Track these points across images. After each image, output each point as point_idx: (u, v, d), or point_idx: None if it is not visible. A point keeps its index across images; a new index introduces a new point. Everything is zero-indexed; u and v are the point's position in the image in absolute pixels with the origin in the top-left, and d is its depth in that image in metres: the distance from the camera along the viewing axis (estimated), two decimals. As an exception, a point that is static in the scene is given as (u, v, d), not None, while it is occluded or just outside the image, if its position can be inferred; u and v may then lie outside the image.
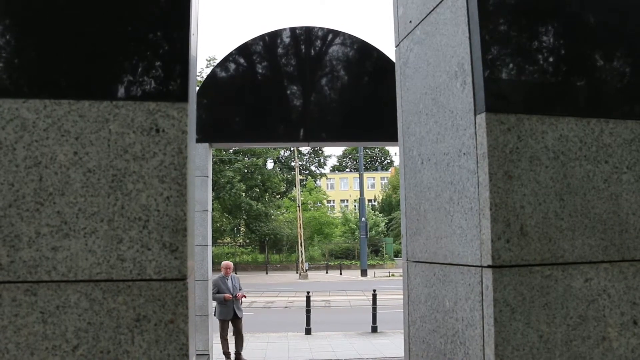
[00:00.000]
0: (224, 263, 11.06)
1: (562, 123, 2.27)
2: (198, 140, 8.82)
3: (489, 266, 2.15)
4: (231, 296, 10.33)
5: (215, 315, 10.27)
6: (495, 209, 2.16)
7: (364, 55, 9.42)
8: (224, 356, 10.28)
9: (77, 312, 1.87)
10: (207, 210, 9.08)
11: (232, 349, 10.53)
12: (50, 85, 1.95)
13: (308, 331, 13.06)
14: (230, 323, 10.53)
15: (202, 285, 9.11)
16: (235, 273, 11.15)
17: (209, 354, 9.30)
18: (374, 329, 13.18)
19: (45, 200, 1.89)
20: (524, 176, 2.21)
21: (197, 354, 8.86)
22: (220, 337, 10.37)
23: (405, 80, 2.87)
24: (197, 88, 9.59)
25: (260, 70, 9.41)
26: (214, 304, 10.51)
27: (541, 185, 2.22)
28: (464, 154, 2.32)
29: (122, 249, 1.91)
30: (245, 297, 11.10)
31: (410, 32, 2.81)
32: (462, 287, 2.33)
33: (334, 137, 9.29)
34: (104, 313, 1.88)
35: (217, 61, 9.49)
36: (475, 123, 2.25)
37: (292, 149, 44.54)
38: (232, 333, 10.56)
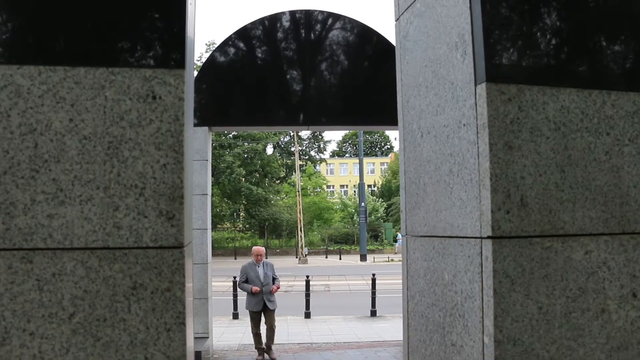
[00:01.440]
0: (254, 248, 9.61)
1: (564, 94, 2.24)
2: (197, 124, 8.79)
3: (488, 237, 2.13)
4: (259, 289, 9.01)
5: (245, 306, 9.33)
6: (496, 179, 2.13)
7: (364, 39, 9.37)
8: (256, 351, 9.24)
9: (73, 280, 1.85)
10: (206, 194, 9.06)
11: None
12: (45, 51, 1.92)
13: (307, 315, 13.08)
14: (262, 315, 9.21)
15: (201, 268, 9.11)
16: (266, 257, 10.16)
17: (208, 337, 9.32)
18: (373, 313, 13.21)
19: (40, 168, 1.87)
20: (525, 147, 2.18)
21: (197, 337, 8.88)
22: (252, 331, 9.24)
23: (405, 54, 2.84)
24: (196, 72, 9.54)
25: (259, 54, 9.36)
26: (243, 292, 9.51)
27: (542, 157, 2.20)
28: (464, 125, 2.29)
29: (119, 216, 1.89)
30: (278, 288, 9.77)
31: (410, 5, 2.77)
32: (461, 260, 2.31)
33: (334, 121, 9.26)
34: (100, 281, 1.86)
35: (217, 45, 9.42)
36: (475, 93, 2.22)
37: (291, 134, 44.48)
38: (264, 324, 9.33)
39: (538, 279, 2.16)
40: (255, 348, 9.29)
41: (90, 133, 1.90)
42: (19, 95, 1.88)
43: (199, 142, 8.94)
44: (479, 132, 2.19)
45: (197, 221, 8.97)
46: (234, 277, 14.45)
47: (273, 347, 9.40)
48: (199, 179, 8.95)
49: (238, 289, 9.69)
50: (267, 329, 9.29)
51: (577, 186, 2.23)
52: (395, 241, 44.52)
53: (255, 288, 8.99)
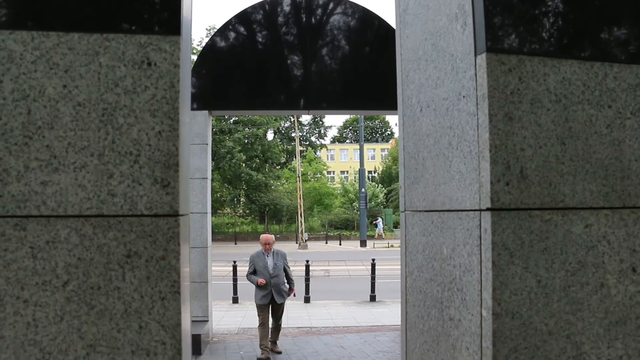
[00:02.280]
0: (262, 237, 8.77)
1: (565, 66, 2.21)
2: (197, 108, 8.76)
3: (487, 209, 2.10)
4: (264, 281, 8.28)
5: (254, 299, 8.61)
6: (495, 150, 2.10)
7: (366, 23, 9.30)
8: (260, 350, 8.42)
9: (67, 248, 1.83)
10: (206, 178, 9.04)
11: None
12: (37, 17, 1.88)
13: (307, 299, 13.11)
14: (269, 309, 8.52)
15: (201, 252, 9.12)
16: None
17: (208, 320, 9.34)
18: (373, 298, 13.23)
19: (34, 134, 1.84)
20: (525, 118, 2.15)
21: (196, 320, 8.89)
22: (258, 327, 8.49)
23: (405, 28, 2.80)
24: (197, 57, 9.48)
25: (260, 38, 9.30)
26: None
27: (542, 128, 2.17)
28: (464, 96, 2.26)
29: (113, 183, 1.86)
30: (295, 295, 9.12)
31: (410, -23, 2.73)
32: (460, 233, 2.29)
33: (335, 106, 9.23)
34: (94, 249, 1.84)
35: (217, 29, 9.35)
36: (475, 64, 2.18)
37: (292, 119, 44.39)
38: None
39: (537, 252, 2.14)
40: (260, 346, 8.43)
41: (85, 99, 1.87)
42: (12, 61, 1.84)
43: (199, 126, 8.91)
44: (479, 103, 2.16)
45: (197, 205, 8.96)
46: (234, 262, 14.48)
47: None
48: (199, 163, 8.93)
49: (246, 279, 8.85)
50: (272, 324, 8.71)
51: (577, 159, 2.20)
52: (376, 226, 44.56)
53: (261, 280, 8.26)
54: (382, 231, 43.19)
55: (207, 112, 8.92)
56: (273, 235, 8.87)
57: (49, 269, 1.82)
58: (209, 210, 9.19)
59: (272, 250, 8.59)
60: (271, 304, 8.47)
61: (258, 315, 8.54)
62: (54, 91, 1.85)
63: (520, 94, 2.15)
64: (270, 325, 8.62)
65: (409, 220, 2.74)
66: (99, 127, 1.87)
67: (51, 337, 1.81)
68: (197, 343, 8.49)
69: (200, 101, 8.92)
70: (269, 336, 8.57)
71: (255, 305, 8.68)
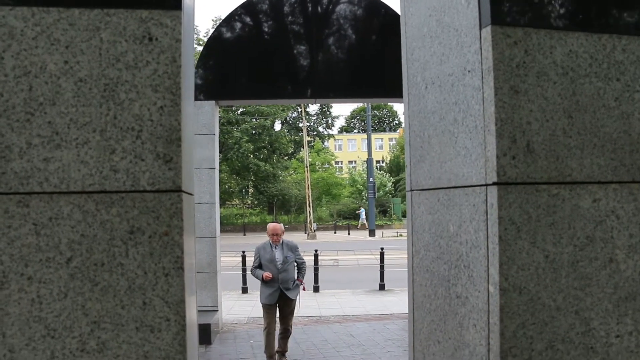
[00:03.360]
0: (269, 226, 7.61)
1: (572, 38, 2.17)
2: (204, 98, 8.74)
3: (494, 183, 2.07)
4: (270, 275, 7.15)
5: (260, 299, 7.49)
6: (501, 124, 2.07)
7: (372, 11, 9.24)
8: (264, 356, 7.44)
9: (70, 224, 1.81)
10: (214, 168, 9.04)
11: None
12: (38, -8, 1.86)
13: (316, 289, 13.12)
14: (276, 309, 7.36)
15: (210, 242, 9.13)
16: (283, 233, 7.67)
17: (217, 310, 9.36)
18: (382, 287, 13.22)
19: (35, 111, 1.82)
20: (531, 91, 2.11)
21: (206, 310, 8.91)
22: (264, 329, 7.38)
23: (410, 6, 2.76)
24: (203, 47, 9.45)
25: (266, 27, 9.27)
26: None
27: (549, 102, 2.13)
28: (469, 71, 2.22)
29: (115, 159, 1.84)
30: (304, 289, 8.05)
31: (415, -46, 2.69)
32: (466, 209, 2.26)
33: (342, 94, 9.18)
34: (97, 225, 1.82)
35: (223, 19, 9.31)
36: (480, 38, 2.15)
37: (299, 110, 44.32)
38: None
39: (545, 226, 2.11)
40: (265, 352, 7.42)
41: (86, 75, 1.85)
42: (13, 37, 1.83)
43: (206, 116, 8.90)
44: (484, 77, 2.12)
45: (205, 195, 8.97)
46: (243, 252, 14.50)
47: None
48: (207, 153, 8.93)
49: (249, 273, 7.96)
50: (280, 330, 7.47)
51: (585, 132, 2.17)
52: (358, 217, 44.60)
53: (267, 274, 7.15)
54: (364, 221, 43.10)
55: (213, 102, 8.90)
56: (282, 224, 7.77)
57: (52, 246, 1.80)
58: (217, 200, 9.19)
59: (280, 242, 7.46)
60: (279, 304, 7.36)
61: (263, 317, 7.44)
62: (55, 67, 1.84)
63: (526, 67, 2.11)
64: (278, 332, 7.49)
65: (415, 200, 2.71)
66: (100, 102, 1.85)
67: (55, 313, 1.80)
68: (207, 332, 8.52)
69: (207, 91, 8.90)
70: (277, 346, 7.50)
71: (262, 307, 7.52)
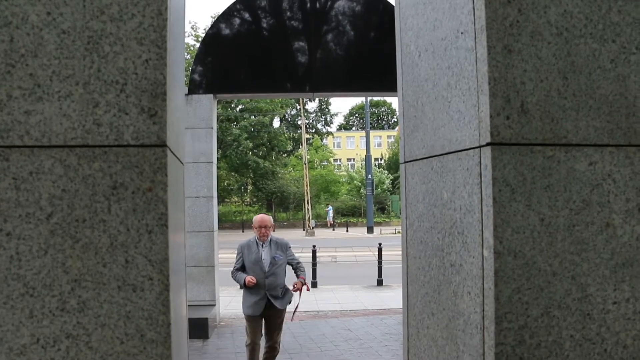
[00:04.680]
0: (257, 218, 6.18)
1: (567, -2, 2.10)
2: (202, 92, 8.68)
3: (487, 144, 1.99)
4: (254, 280, 5.80)
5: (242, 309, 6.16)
6: (494, 83, 2.00)
7: (370, 5, 9.19)
8: None
9: (51, 179, 1.74)
10: (212, 162, 8.97)
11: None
12: (20, -57, 1.79)
13: (314, 284, 13.03)
14: (262, 322, 6.06)
15: (208, 236, 9.05)
16: (273, 231, 6.32)
17: (215, 304, 9.27)
18: (379, 283, 13.14)
19: (17, 62, 1.75)
20: (525, 51, 2.04)
21: (204, 304, 8.83)
22: (246, 347, 6.08)
23: (403, -24, 2.69)
24: (201, 41, 9.39)
25: (264, 20, 9.21)
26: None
27: (543, 62, 2.06)
28: (462, 33, 2.15)
29: (99, 113, 1.77)
30: (308, 289, 6.48)
31: None
32: (460, 174, 2.19)
33: (340, 88, 9.12)
34: (79, 180, 1.75)
35: (221, 12, 9.26)
36: (474, -3, 2.08)
37: (298, 107, 44.24)
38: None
39: (540, 189, 2.03)
40: None
41: (69, 27, 1.77)
42: (-6, -12, 1.76)
43: (204, 109, 8.84)
44: (477, 36, 2.05)
45: (203, 189, 8.90)
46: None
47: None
48: (205, 147, 8.87)
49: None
50: (265, 349, 6.12)
51: (580, 94, 2.09)
52: (327, 215, 44.46)
53: (250, 279, 5.79)
54: (331, 220, 42.86)
55: (211, 95, 8.84)
56: (271, 217, 6.39)
57: (32, 201, 1.73)
58: (215, 194, 9.11)
59: (269, 239, 6.09)
60: (265, 315, 6.00)
61: (246, 332, 6.10)
62: (38, 18, 1.76)
63: (520, 26, 2.04)
64: (263, 346, 6.16)
65: (409, 171, 2.64)
66: (84, 55, 1.77)
67: (35, 271, 1.72)
68: (205, 327, 8.44)
69: (205, 84, 8.84)
70: None
71: (245, 318, 6.15)
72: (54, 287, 1.72)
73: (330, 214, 43.87)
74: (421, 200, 2.50)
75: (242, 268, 6.01)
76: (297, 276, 6.22)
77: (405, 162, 2.66)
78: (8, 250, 1.71)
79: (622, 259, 2.10)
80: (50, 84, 1.75)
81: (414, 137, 2.57)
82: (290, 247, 6.27)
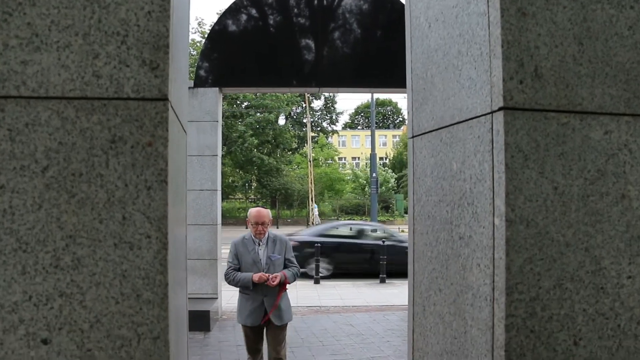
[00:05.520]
0: (253, 212, 5.15)
1: (583, -37, 2.01)
2: (208, 85, 8.61)
3: (499, 109, 1.90)
4: (266, 276, 4.86)
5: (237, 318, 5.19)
6: (507, 46, 1.90)
7: (378, 1, 9.12)
8: None
9: (48, 131, 1.65)
10: (216, 155, 8.90)
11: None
12: None
13: (317, 281, 12.91)
14: (263, 334, 5.13)
15: (211, 229, 8.97)
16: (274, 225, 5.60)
17: (217, 298, 9.19)
18: (383, 280, 13.02)
19: (14, 11, 1.66)
20: (539, 15, 1.94)
21: (206, 298, 8.74)
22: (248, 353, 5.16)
23: (414, -52, 2.61)
24: (207, 34, 9.33)
25: (270, 14, 9.14)
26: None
27: (558, 27, 1.96)
28: (475, -3, 2.07)
29: (98, 65, 1.68)
30: (286, 286, 5.14)
31: None
32: (470, 143, 2.10)
33: (346, 83, 9.04)
34: (76, 133, 1.66)
35: (228, 6, 9.19)
36: (487, -41, 1.99)
37: (304, 105, 44.11)
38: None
39: (553, 156, 1.94)
40: None
41: (69, -24, 1.70)
42: None
43: (210, 102, 8.77)
44: (490, 0, 1.97)
45: (207, 182, 8.83)
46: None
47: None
48: (209, 140, 8.80)
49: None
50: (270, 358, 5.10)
51: (596, 61, 2.00)
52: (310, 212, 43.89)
53: (259, 275, 4.85)
54: (317, 218, 42.57)
55: (217, 89, 8.77)
56: (269, 211, 5.35)
57: (27, 153, 1.64)
58: (219, 187, 9.03)
59: (266, 236, 5.12)
60: (265, 327, 5.08)
61: (245, 345, 5.20)
62: (36, -33, 1.69)
63: (535, -12, 1.95)
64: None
65: (417, 145, 2.55)
66: (84, 5, 1.69)
67: (29, 226, 1.63)
68: (206, 319, 8.36)
69: (211, 78, 8.77)
70: None
71: (242, 328, 5.22)
72: (47, 242, 1.63)
73: (315, 212, 43.65)
74: (429, 174, 2.41)
75: (236, 267, 5.05)
76: (284, 267, 5.11)
77: (413, 136, 2.58)
78: (1, 203, 1.62)
79: (637, 232, 2.01)
80: (49, 34, 1.67)
81: (422, 110, 2.48)
82: (291, 248, 5.29)
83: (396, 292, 11.53)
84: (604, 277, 1.97)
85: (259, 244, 5.11)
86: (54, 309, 1.62)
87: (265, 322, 5.03)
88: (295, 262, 5.28)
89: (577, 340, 1.94)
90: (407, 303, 2.49)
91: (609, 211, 1.98)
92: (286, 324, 5.18)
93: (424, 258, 2.47)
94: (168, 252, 1.66)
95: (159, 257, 1.65)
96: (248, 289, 4.96)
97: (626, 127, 2.01)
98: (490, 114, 1.95)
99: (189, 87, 7.68)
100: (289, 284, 5.13)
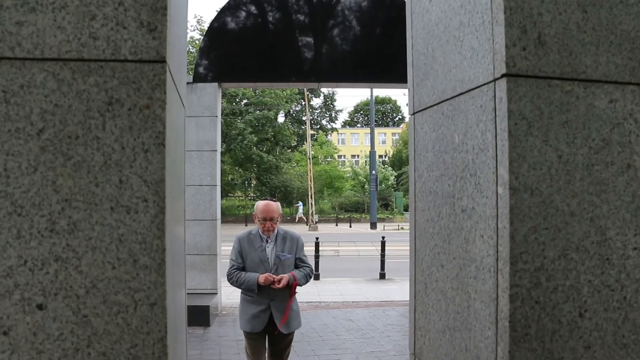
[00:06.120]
0: (260, 205, 4.43)
1: None
2: (207, 80, 8.57)
3: (502, 76, 1.86)
4: (272, 278, 4.23)
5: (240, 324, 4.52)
6: (510, 12, 1.86)
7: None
8: None
9: (44, 93, 1.61)
10: (215, 150, 8.86)
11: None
12: None
13: (317, 277, 12.85)
14: (265, 341, 4.48)
15: (210, 224, 8.92)
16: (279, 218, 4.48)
17: (217, 293, 9.14)
18: (382, 276, 12.97)
19: (9, -29, 1.63)
20: (544, -19, 1.91)
21: (205, 293, 8.69)
22: None
23: None
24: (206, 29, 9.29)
25: (270, 9, 9.10)
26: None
27: (562, -7, 1.93)
28: (478, -36, 2.03)
29: (95, 26, 1.64)
30: (296, 289, 4.43)
31: None
32: (473, 113, 2.05)
33: (345, 78, 9.00)
34: (72, 95, 1.62)
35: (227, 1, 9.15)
36: None
37: (303, 103, 44.03)
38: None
39: (557, 124, 1.90)
40: None
41: (65, -63, 1.66)
42: None
43: (209, 97, 8.73)
44: (493, -34, 1.93)
45: (206, 177, 8.78)
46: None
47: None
48: (209, 135, 8.75)
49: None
50: None
51: (600, 28, 1.96)
52: (297, 210, 43.55)
53: (265, 276, 4.23)
54: (302, 215, 42.46)
55: (216, 84, 8.72)
56: (279, 204, 4.56)
57: (22, 115, 1.60)
58: (219, 182, 8.98)
59: (275, 232, 4.46)
60: (268, 332, 4.41)
61: (246, 352, 4.50)
62: None
63: (539, -46, 1.91)
64: None
65: (418, 121, 2.51)
66: (80, -34, 1.66)
67: (23, 189, 1.59)
68: (206, 315, 8.31)
69: (210, 73, 8.73)
70: None
71: (244, 335, 4.53)
72: (43, 206, 1.59)
73: (300, 209, 43.57)
74: (430, 149, 2.37)
75: (241, 266, 4.42)
76: (294, 267, 4.46)
77: (414, 113, 2.53)
78: (-4, 166, 1.58)
79: (643, 202, 1.97)
80: (45, -5, 1.63)
81: (423, 86, 2.44)
82: (303, 245, 4.59)
83: (396, 288, 11.48)
84: (609, 248, 1.93)
85: (267, 241, 4.44)
86: (49, 273, 1.58)
87: (268, 328, 4.39)
88: (308, 262, 4.59)
89: (583, 312, 1.90)
90: (406, 299, 2.45)
91: (614, 181, 1.94)
92: (291, 335, 4.50)
93: (425, 235, 2.43)
94: (165, 216, 1.62)
95: (156, 222, 1.61)
96: (252, 292, 4.31)
97: (631, 96, 1.97)
98: (493, 82, 1.91)
99: (188, 82, 7.65)
100: (300, 286, 4.43)
